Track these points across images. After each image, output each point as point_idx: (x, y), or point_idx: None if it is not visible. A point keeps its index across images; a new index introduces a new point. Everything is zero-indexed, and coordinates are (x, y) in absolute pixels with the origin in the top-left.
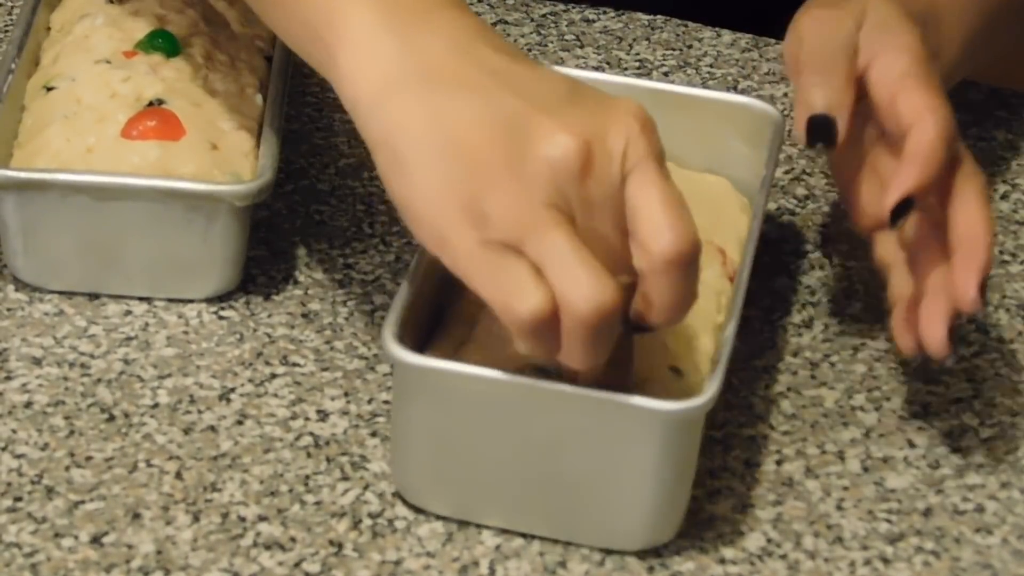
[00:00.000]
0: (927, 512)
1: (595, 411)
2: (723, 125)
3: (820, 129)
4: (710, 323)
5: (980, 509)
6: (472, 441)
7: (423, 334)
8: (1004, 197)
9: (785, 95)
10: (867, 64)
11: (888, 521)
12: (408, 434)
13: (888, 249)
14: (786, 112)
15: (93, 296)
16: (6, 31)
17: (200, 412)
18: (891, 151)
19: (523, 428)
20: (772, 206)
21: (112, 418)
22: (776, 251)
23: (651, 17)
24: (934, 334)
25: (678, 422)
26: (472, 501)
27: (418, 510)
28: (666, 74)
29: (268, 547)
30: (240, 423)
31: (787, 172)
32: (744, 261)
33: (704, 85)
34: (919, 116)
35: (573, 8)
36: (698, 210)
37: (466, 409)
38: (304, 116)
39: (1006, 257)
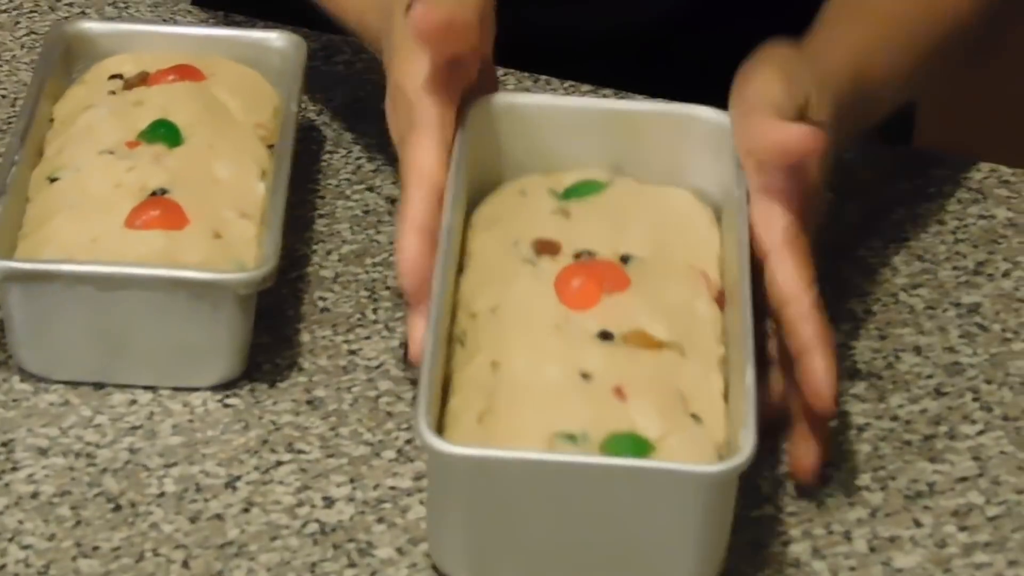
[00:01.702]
0: None
1: (636, 480)
2: (680, 137)
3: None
4: (714, 358)
5: None
6: (513, 519)
7: (438, 403)
8: (1006, 275)
9: None
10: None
11: None
12: (447, 516)
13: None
14: None
15: (98, 386)
16: (9, 123)
17: (206, 500)
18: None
19: (565, 502)
20: None
21: (119, 507)
22: None
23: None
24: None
25: (718, 484)
26: (513, 570)
27: None
28: None
29: None
30: (246, 511)
31: None
32: (742, 296)
33: None
34: (794, 301)
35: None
36: (670, 229)
37: (507, 490)
38: (307, 203)
39: (1009, 335)
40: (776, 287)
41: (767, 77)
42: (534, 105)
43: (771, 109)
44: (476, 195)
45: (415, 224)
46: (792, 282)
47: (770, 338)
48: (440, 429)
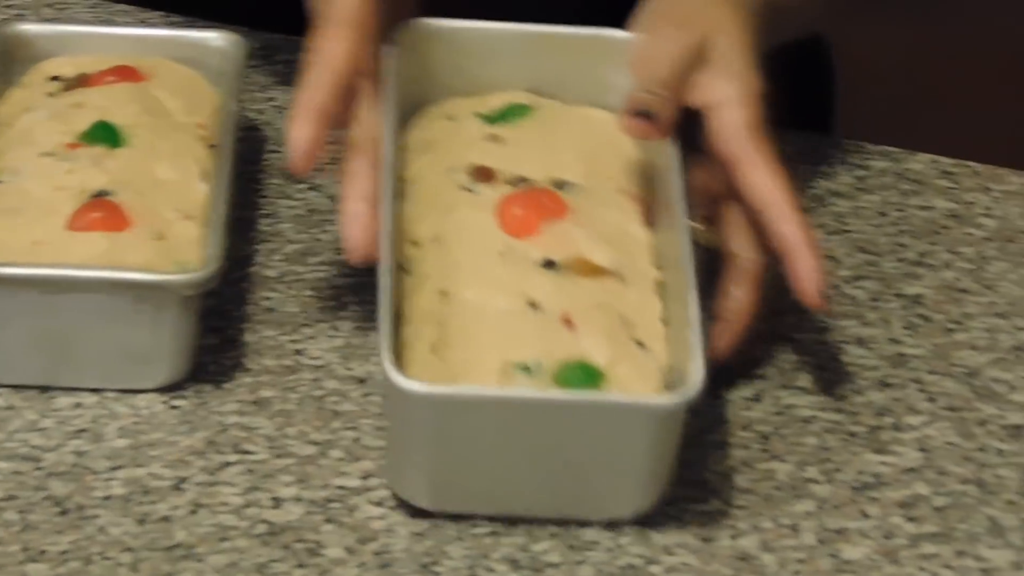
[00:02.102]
0: None
1: (594, 412)
2: (599, 59)
3: (643, 114)
4: (651, 282)
5: None
6: (472, 451)
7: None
8: (947, 265)
9: None
10: (707, 106)
11: None
12: (407, 449)
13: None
14: None
15: (43, 389)
16: None
17: (154, 503)
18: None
19: (524, 435)
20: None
21: (66, 511)
22: None
23: None
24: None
25: (671, 415)
26: (471, 498)
27: None
28: None
29: None
30: (194, 513)
31: None
32: (679, 220)
33: None
34: (773, 203)
35: None
36: (598, 152)
37: (468, 424)
38: (250, 203)
39: (951, 325)
40: (751, 192)
41: (657, 37)
42: (457, 29)
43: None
44: (401, 119)
45: (311, 106)
46: (768, 184)
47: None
48: (394, 359)
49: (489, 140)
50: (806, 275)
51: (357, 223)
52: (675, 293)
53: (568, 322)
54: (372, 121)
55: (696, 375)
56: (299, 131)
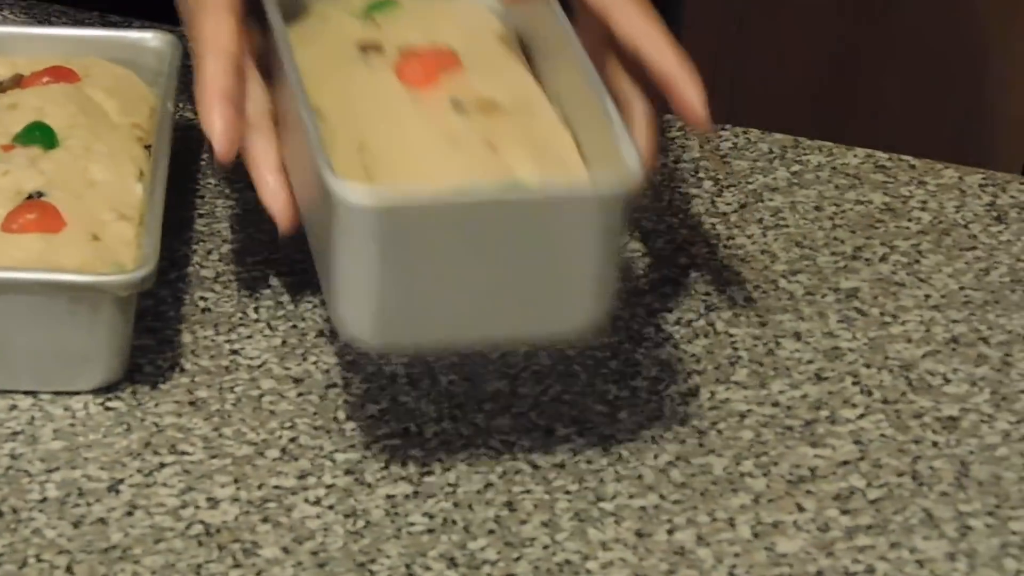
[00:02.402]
0: None
1: (554, 206)
2: None
3: None
4: (555, 116)
5: (871, 570)
6: (427, 266)
7: None
8: (883, 259)
9: None
10: None
11: None
12: (356, 274)
13: None
14: None
15: None
16: None
17: (89, 505)
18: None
19: (479, 240)
20: (655, 275)
21: (0, 514)
22: (660, 320)
23: None
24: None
25: (617, 199)
26: (418, 325)
27: None
28: None
29: None
30: (130, 514)
31: (668, 242)
32: (574, 46)
33: None
34: (649, 43)
35: None
36: (476, 27)
37: (425, 234)
38: (186, 203)
39: (887, 319)
40: (627, 36)
41: None
42: None
43: None
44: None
45: (218, 93)
46: (641, 25)
47: None
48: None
49: (369, 25)
50: (687, 98)
51: (280, 195)
52: (583, 119)
53: (491, 146)
54: (261, 97)
55: (632, 161)
56: (216, 120)
